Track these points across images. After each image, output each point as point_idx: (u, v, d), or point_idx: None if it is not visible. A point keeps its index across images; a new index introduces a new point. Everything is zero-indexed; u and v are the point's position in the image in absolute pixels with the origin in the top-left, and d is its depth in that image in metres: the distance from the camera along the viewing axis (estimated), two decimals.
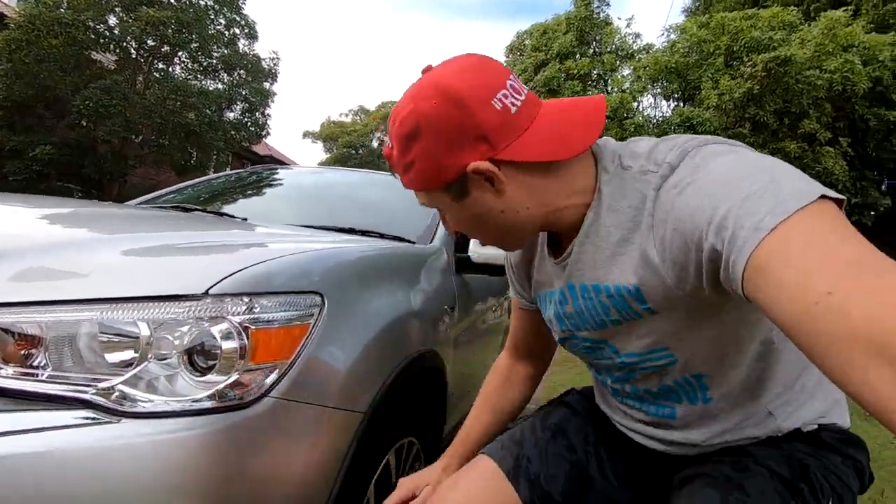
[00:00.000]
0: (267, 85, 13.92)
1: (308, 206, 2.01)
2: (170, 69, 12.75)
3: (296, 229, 1.50)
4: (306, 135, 27.56)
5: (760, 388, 0.63)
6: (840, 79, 6.42)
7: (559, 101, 0.59)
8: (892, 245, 7.79)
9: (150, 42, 11.84)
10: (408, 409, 1.33)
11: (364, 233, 1.67)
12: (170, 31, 11.29)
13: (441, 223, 0.75)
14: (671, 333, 0.59)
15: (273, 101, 13.71)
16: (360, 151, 26.76)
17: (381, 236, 1.68)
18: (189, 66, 12.90)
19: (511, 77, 0.56)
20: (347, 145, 26.14)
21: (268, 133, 14.11)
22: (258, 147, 19.94)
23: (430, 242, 1.79)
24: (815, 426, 0.64)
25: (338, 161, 26.08)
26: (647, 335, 0.60)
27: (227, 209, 1.81)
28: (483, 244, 0.79)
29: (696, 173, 0.49)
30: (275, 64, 13.65)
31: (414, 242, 1.72)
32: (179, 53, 12.64)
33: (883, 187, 7.60)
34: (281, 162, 20.48)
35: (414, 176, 0.58)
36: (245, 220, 1.59)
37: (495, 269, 2.01)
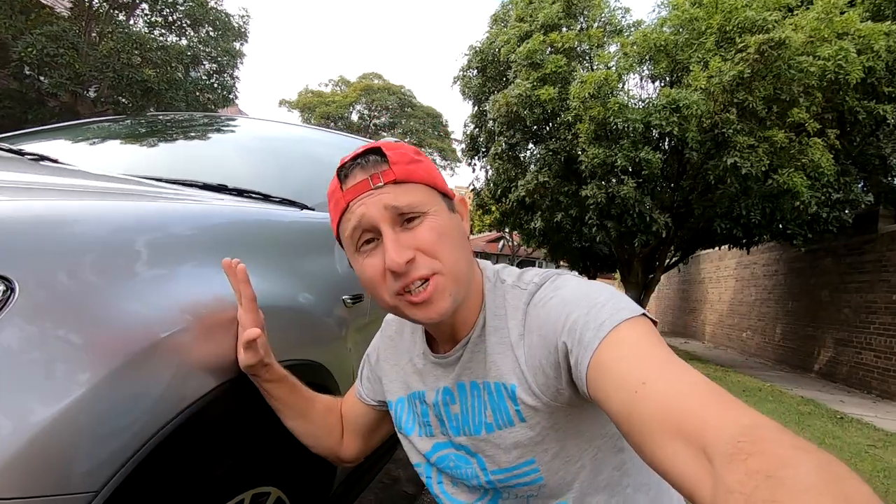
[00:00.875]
0: (237, 45, 13.04)
1: (179, 157, 1.54)
2: (130, 20, 11.79)
3: (124, 182, 1.05)
4: (282, 103, 26.36)
5: None
6: (834, 67, 6.11)
7: None
8: (864, 246, 7.69)
9: None
10: (262, 447, 0.91)
11: (241, 192, 1.22)
12: None
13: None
14: (537, 443, 0.61)
15: (242, 63, 12.86)
16: (339, 124, 25.82)
17: (266, 198, 1.24)
18: (150, 18, 11.94)
19: None
20: (325, 116, 25.13)
21: (236, 97, 13.26)
22: (229, 112, 19.01)
23: None
24: None
25: None
26: (516, 447, 0.61)
27: (51, 150, 1.32)
28: (441, 296, 0.62)
29: (556, 290, 0.60)
30: (245, 22, 12.76)
31: (312, 209, 1.28)
32: (141, 4, 11.67)
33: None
34: None
35: (424, 169, 0.62)
36: (56, 161, 1.13)
37: None
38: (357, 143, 1.92)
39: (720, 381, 6.49)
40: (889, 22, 6.97)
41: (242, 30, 12.72)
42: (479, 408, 0.64)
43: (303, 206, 1.25)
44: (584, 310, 0.53)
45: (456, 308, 0.62)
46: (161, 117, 1.97)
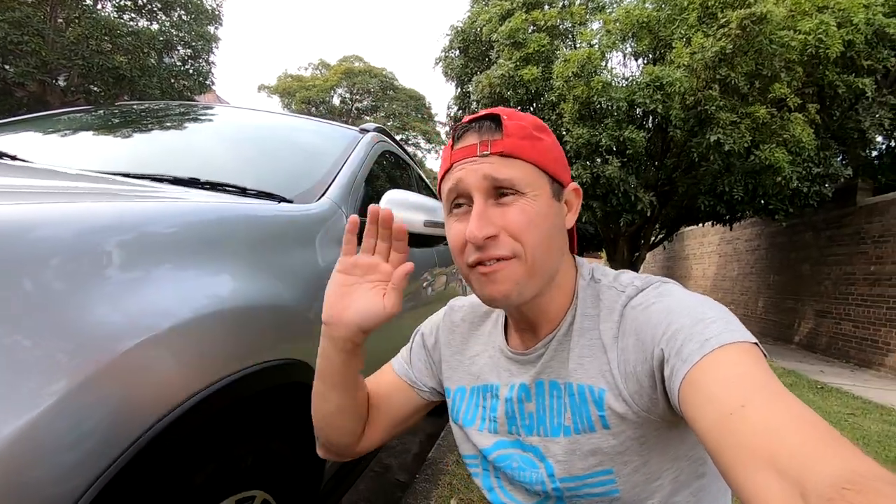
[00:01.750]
0: (211, 29, 12.66)
1: (152, 150, 1.48)
2: (98, 5, 11.34)
3: (85, 181, 0.99)
4: (261, 88, 25.72)
5: None
6: (814, 41, 6.13)
7: None
8: (842, 220, 7.83)
9: None
10: (245, 450, 0.89)
11: (214, 186, 1.17)
12: None
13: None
14: (619, 453, 0.57)
15: (218, 47, 12.50)
16: (320, 108, 25.35)
17: (243, 192, 1.19)
18: (119, 2, 11.50)
19: None
20: (305, 101, 24.64)
21: (212, 82, 12.92)
22: (207, 98, 18.52)
23: (318, 200, 1.31)
24: None
25: None
26: (593, 454, 0.58)
27: (14, 145, 1.25)
28: (506, 280, 0.59)
29: (660, 297, 0.56)
30: (218, 4, 12.37)
31: (290, 201, 1.23)
32: None
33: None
34: None
35: (538, 147, 0.59)
36: (14, 158, 1.07)
37: (411, 239, 1.57)
38: (342, 131, 1.87)
39: None
40: None
41: (216, 13, 12.35)
42: (558, 409, 0.61)
43: (281, 199, 1.21)
44: (690, 321, 0.50)
45: (524, 300, 0.59)
46: (134, 107, 1.89)
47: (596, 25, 7.60)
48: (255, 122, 1.81)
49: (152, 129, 1.66)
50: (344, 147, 1.64)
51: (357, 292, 0.62)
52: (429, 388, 0.78)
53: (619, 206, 7.08)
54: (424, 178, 2.91)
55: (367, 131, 1.92)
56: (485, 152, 0.58)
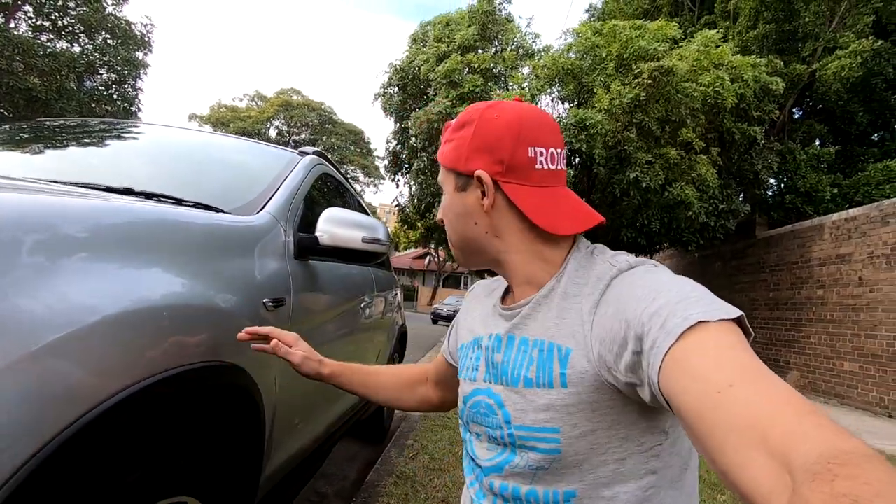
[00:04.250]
0: (140, 55, 12.20)
1: (88, 161, 1.45)
2: (10, 23, 10.63)
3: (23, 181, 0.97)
4: (192, 117, 24.87)
5: None
6: (713, 92, 6.93)
7: (577, 198, 0.69)
8: (745, 251, 8.75)
9: None
10: (175, 454, 0.88)
11: (149, 196, 1.17)
12: None
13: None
14: (570, 413, 0.59)
15: (146, 73, 12.04)
16: (256, 140, 24.83)
17: (179, 202, 1.19)
18: (36, 22, 10.85)
19: (559, 150, 0.67)
20: (240, 131, 24.06)
21: (138, 108, 12.36)
22: None
23: (257, 213, 1.33)
24: None
25: None
26: (547, 409, 0.60)
27: None
28: (452, 248, 0.75)
29: (646, 275, 0.58)
30: (148, 31, 11.99)
31: (227, 212, 1.25)
32: (23, 6, 10.59)
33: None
34: None
35: (447, 151, 0.69)
36: None
37: (349, 255, 1.61)
38: (281, 152, 1.90)
39: None
40: (754, 56, 8.07)
41: (146, 39, 11.95)
42: (523, 362, 0.63)
43: (218, 210, 1.23)
44: (676, 297, 0.49)
45: (474, 268, 0.76)
46: (67, 123, 1.82)
47: (526, 70, 8.16)
48: (196, 139, 1.81)
49: (87, 144, 1.61)
50: (283, 166, 1.68)
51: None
52: (455, 361, 0.85)
53: None
54: (363, 202, 2.97)
55: (307, 154, 1.96)
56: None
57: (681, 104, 6.98)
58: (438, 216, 0.74)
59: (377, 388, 0.93)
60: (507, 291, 0.75)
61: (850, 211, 6.83)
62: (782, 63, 8.75)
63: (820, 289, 7.24)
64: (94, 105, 11.12)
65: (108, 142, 1.64)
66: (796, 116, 10.77)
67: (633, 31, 7.25)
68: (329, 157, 2.28)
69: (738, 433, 0.37)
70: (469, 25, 8.25)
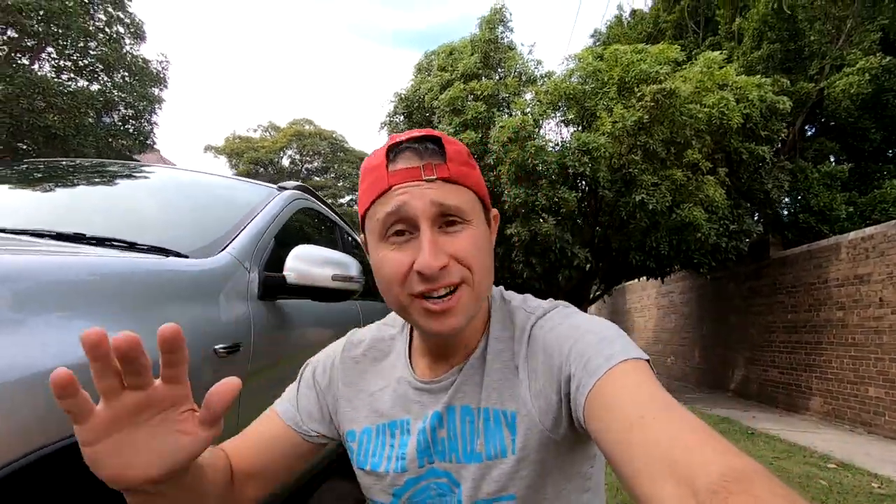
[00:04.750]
0: (156, 91, 12.61)
1: (47, 205, 1.44)
2: (35, 65, 11.10)
3: None
4: (208, 149, 25.55)
5: None
6: (718, 113, 6.88)
7: None
8: (760, 272, 8.53)
9: (10, 32, 10.22)
10: None
11: (101, 241, 1.15)
12: (35, 21, 9.80)
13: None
14: (521, 478, 0.59)
15: (161, 108, 12.42)
16: (269, 169, 25.30)
17: (132, 246, 1.17)
18: (59, 63, 11.32)
19: None
20: (253, 161, 24.59)
21: (153, 142, 12.71)
22: (149, 158, 18.11)
23: (218, 254, 1.30)
24: None
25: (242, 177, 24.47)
26: (500, 479, 0.59)
27: None
28: (459, 311, 0.58)
29: (565, 319, 0.60)
30: (164, 68, 12.42)
31: (186, 255, 1.22)
32: (47, 49, 11.06)
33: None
34: None
35: (475, 174, 0.60)
36: None
37: (321, 294, 1.57)
38: (257, 189, 1.88)
39: None
40: (759, 76, 8.02)
41: (161, 75, 12.36)
42: (470, 435, 0.61)
43: (177, 254, 1.20)
44: (595, 339, 0.53)
45: (465, 327, 0.59)
46: (39, 165, 1.84)
47: (529, 96, 8.21)
48: (163, 178, 1.81)
49: (51, 187, 1.61)
50: (255, 204, 1.66)
51: (133, 445, 0.43)
52: (316, 433, 0.70)
53: (557, 261, 7.36)
54: (353, 235, 2.94)
55: (286, 189, 1.95)
56: (430, 177, 0.55)
57: (685, 125, 6.92)
58: (462, 253, 0.55)
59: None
60: (411, 358, 0.67)
61: (867, 230, 6.62)
62: (789, 82, 8.67)
63: (840, 311, 6.98)
64: (110, 140, 11.47)
65: (74, 183, 1.65)
66: (808, 134, 10.62)
67: (635, 55, 7.28)
68: (313, 190, 2.27)
69: (648, 464, 0.40)
70: (472, 54, 8.38)
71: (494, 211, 0.64)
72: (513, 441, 0.58)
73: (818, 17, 9.13)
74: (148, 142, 12.48)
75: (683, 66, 7.51)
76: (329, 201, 2.77)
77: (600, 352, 0.51)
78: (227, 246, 1.34)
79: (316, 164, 27.69)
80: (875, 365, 6.33)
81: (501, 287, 0.69)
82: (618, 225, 7.81)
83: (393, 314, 0.72)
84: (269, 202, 1.70)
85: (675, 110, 6.83)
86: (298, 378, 0.74)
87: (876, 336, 6.31)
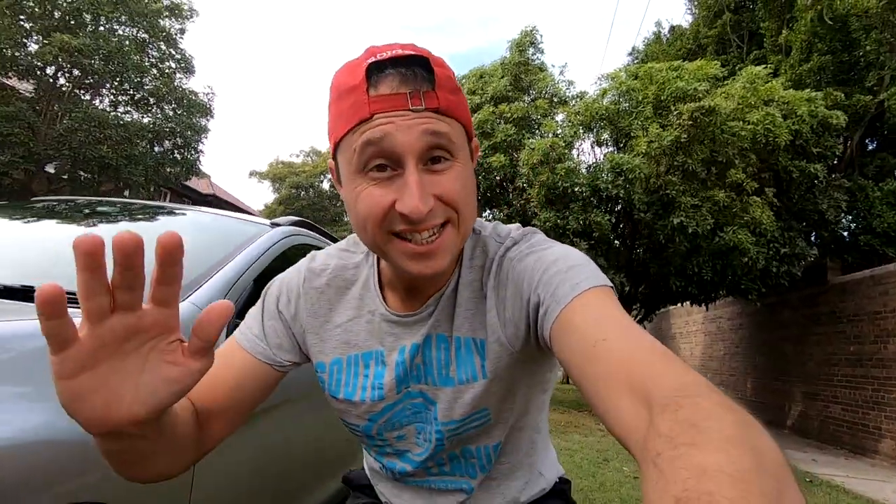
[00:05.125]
0: (203, 121, 13.28)
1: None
2: (95, 100, 11.93)
3: None
4: (252, 174, 26.61)
5: (533, 452, 0.73)
6: (763, 130, 6.49)
7: None
8: (817, 298, 7.85)
9: (75, 72, 11.05)
10: None
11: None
12: (94, 60, 10.56)
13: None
14: (493, 394, 0.63)
15: (206, 138, 13.03)
16: (309, 192, 26.06)
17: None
18: (114, 98, 12.13)
19: None
20: (295, 186, 25.39)
21: (198, 171, 13.31)
22: (200, 185, 19.03)
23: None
24: (557, 479, 0.78)
25: (284, 202, 25.22)
26: (473, 400, 0.62)
27: None
28: (445, 251, 0.55)
29: (532, 247, 0.60)
30: (210, 99, 13.07)
31: None
32: (106, 85, 11.88)
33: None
34: (225, 201, 19.56)
35: (463, 104, 0.56)
36: None
37: None
38: (245, 227, 1.82)
39: None
40: (809, 90, 7.55)
41: (208, 106, 13.00)
42: (445, 361, 0.63)
43: None
44: (563, 268, 0.54)
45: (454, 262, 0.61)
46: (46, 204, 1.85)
47: (560, 117, 8.05)
48: (149, 217, 1.77)
49: (29, 228, 1.59)
50: (238, 244, 1.58)
51: (119, 378, 0.39)
52: (289, 362, 0.67)
53: None
54: None
55: (279, 225, 1.88)
56: (418, 107, 0.50)
57: (727, 144, 6.56)
58: (449, 194, 0.52)
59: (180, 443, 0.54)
60: (382, 289, 0.65)
61: None
62: (844, 95, 8.12)
63: None
64: (159, 168, 12.09)
65: (48, 225, 1.63)
66: (869, 149, 9.88)
67: (671, 73, 7.01)
68: (313, 224, 2.20)
69: (608, 381, 0.43)
70: (502, 77, 8.33)
71: (475, 140, 0.60)
72: (482, 367, 0.61)
73: (874, 26, 8.54)
74: (194, 169, 13.08)
75: (724, 83, 7.16)
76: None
77: (567, 280, 0.53)
78: (192, 294, 1.26)
79: None
80: None
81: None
82: (656, 249, 7.43)
83: (354, 237, 0.69)
84: (253, 241, 1.62)
85: (716, 128, 6.49)
86: (261, 307, 0.68)
87: None
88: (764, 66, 7.55)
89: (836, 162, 7.86)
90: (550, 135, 7.40)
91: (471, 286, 0.62)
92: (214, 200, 18.73)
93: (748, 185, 6.57)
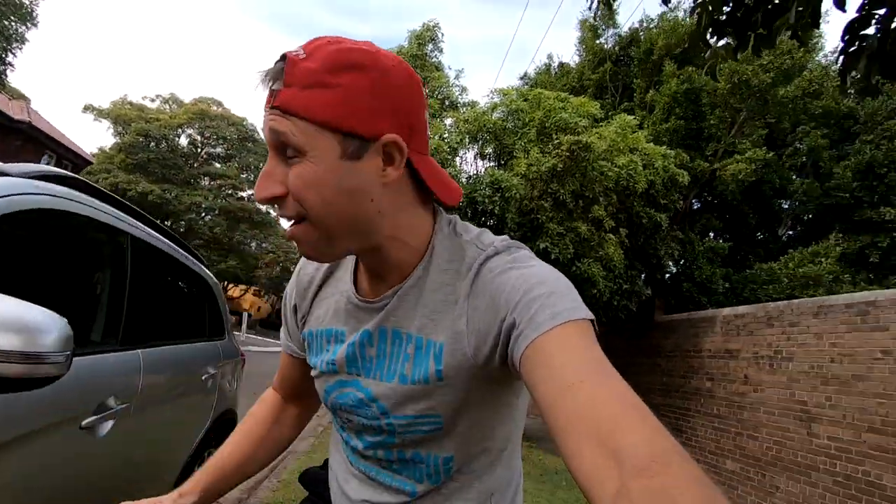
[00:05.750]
0: (21, 28, 10.51)
1: None
2: None
3: None
4: (88, 109, 22.05)
5: (490, 480, 0.68)
6: (626, 175, 6.99)
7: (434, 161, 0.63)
8: (645, 332, 8.85)
9: None
10: None
11: None
12: None
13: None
14: (447, 403, 0.62)
15: (22, 49, 10.34)
16: (161, 145, 22.58)
17: None
18: None
19: None
20: (143, 133, 21.73)
21: (4, 84, 10.51)
22: (11, 108, 15.15)
23: None
24: None
25: (126, 149, 21.47)
26: (425, 399, 0.62)
27: None
28: (303, 242, 0.57)
29: (515, 262, 0.58)
30: (32, 2, 10.40)
31: None
32: None
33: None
34: (44, 133, 15.83)
35: (321, 100, 0.51)
36: None
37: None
38: None
39: (530, 462, 6.42)
40: (665, 147, 8.42)
41: (28, 9, 10.32)
42: (398, 357, 0.62)
43: None
44: (546, 291, 0.52)
45: (334, 258, 0.63)
46: None
47: (449, 122, 7.84)
48: None
49: None
50: None
51: None
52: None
53: None
54: (180, 250, 2.16)
55: (6, 175, 1.19)
56: (268, 104, 0.53)
57: (595, 181, 6.93)
58: (292, 189, 0.53)
59: (255, 462, 0.79)
60: (355, 277, 0.68)
61: (740, 308, 7.00)
62: (688, 157, 9.24)
63: (709, 381, 7.28)
64: None
65: None
66: (695, 208, 11.45)
67: (557, 102, 7.22)
68: (78, 178, 1.50)
69: (577, 425, 0.42)
70: None
71: (389, 137, 0.54)
72: (437, 371, 0.60)
73: (718, 105, 9.92)
74: None
75: (601, 124, 7.60)
76: (228, 192, 1.95)
77: (548, 306, 0.51)
78: None
79: (219, 149, 25.31)
80: (734, 439, 6.60)
81: (457, 216, 0.67)
82: None
83: None
84: None
85: (588, 164, 6.81)
86: (283, 316, 0.80)
87: (738, 411, 6.59)
88: (633, 116, 8.20)
89: (673, 215, 8.87)
90: (437, 137, 7.13)
91: (442, 289, 0.61)
92: (28, 129, 15.06)
93: (607, 223, 7.01)
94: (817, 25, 2.12)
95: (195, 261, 2.40)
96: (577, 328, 0.49)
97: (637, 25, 12.50)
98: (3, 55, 10.00)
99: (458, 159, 7.70)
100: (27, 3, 10.17)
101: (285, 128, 0.51)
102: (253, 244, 25.89)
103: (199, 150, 24.52)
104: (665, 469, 0.35)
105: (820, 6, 2.08)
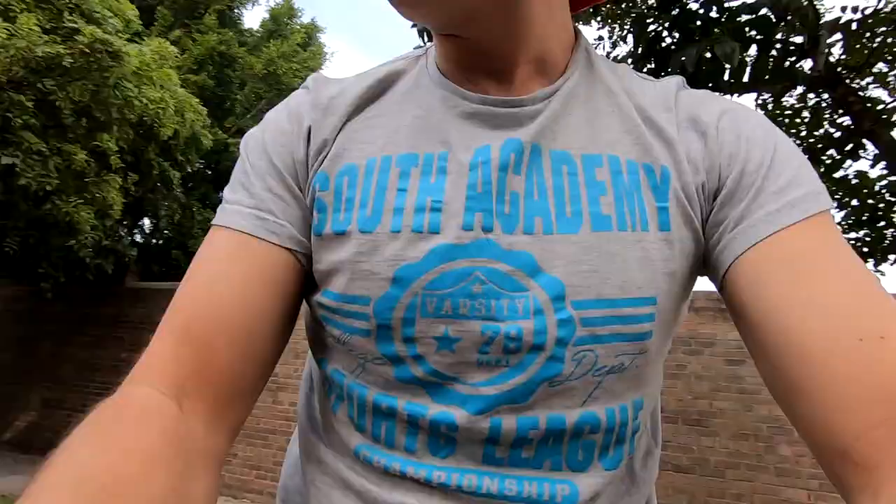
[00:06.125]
0: None
1: None
2: None
3: None
4: None
5: (654, 437, 0.45)
6: (154, 112, 5.82)
7: None
8: (106, 297, 7.29)
9: None
10: None
11: None
12: None
13: None
14: (665, 274, 0.37)
15: None
16: None
17: None
18: None
19: None
20: None
21: None
22: None
23: None
24: None
25: None
26: (640, 266, 0.36)
27: None
28: None
29: (734, 104, 0.41)
30: None
31: None
32: None
33: None
34: None
35: None
36: None
37: None
38: None
39: None
40: (199, 101, 7.57)
41: None
42: (579, 189, 0.37)
43: None
44: (797, 161, 0.36)
45: (452, 17, 0.36)
46: None
47: None
48: None
49: None
50: None
51: None
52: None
53: None
54: None
55: None
56: None
57: (114, 105, 5.31)
58: None
59: None
60: (464, 73, 0.41)
61: None
62: (211, 122, 8.70)
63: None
64: None
65: None
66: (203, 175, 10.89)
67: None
68: None
69: (874, 391, 0.30)
70: None
71: None
72: (661, 210, 0.37)
73: (246, 83, 10.00)
74: None
75: (144, 41, 5.99)
76: None
77: (803, 182, 0.35)
78: None
79: None
80: None
81: None
82: None
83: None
84: None
85: (112, 77, 5.15)
86: (242, 167, 0.47)
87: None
88: (176, 48, 6.96)
89: (184, 176, 8.04)
90: None
91: (623, 94, 0.40)
92: None
93: (114, 161, 5.48)
94: None
95: None
96: (829, 230, 0.36)
97: None
98: None
99: None
100: None
101: None
102: None
103: None
104: None
105: None
